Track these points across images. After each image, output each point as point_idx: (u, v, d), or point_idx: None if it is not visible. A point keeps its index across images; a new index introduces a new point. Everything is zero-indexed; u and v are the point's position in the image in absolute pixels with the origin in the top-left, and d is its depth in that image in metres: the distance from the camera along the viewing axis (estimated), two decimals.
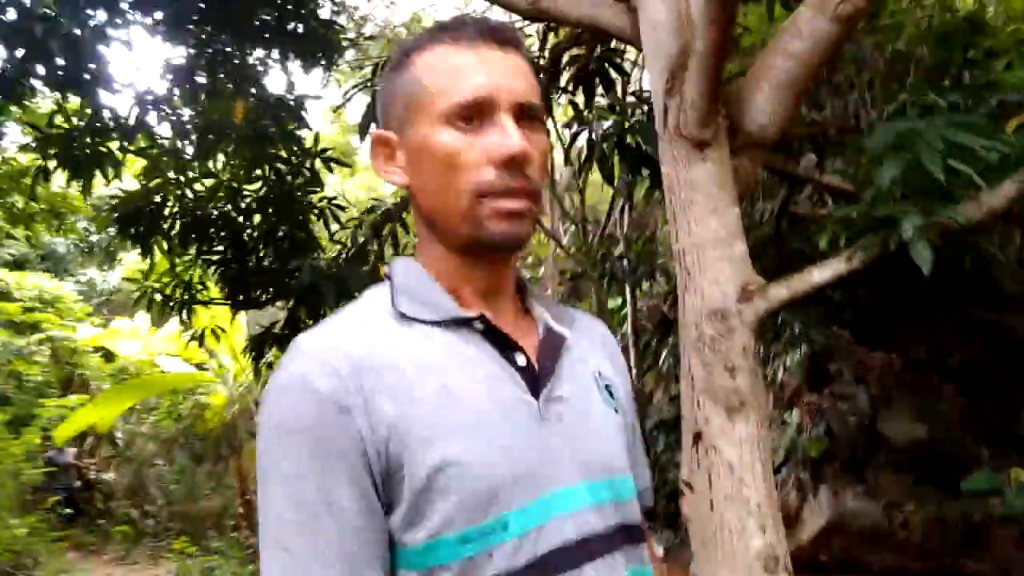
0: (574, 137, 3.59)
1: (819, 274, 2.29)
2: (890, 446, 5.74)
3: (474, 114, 0.80)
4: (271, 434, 0.74)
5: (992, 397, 5.56)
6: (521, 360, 0.83)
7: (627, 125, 3.21)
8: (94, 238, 12.26)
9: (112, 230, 4.77)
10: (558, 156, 5.34)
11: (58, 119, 4.06)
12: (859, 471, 5.78)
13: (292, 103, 4.44)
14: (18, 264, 11.74)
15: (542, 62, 3.87)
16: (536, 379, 0.83)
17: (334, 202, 4.78)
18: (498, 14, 3.61)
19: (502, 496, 0.75)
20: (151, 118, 4.06)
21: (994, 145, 1.92)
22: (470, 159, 0.80)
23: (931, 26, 4.62)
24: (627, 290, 7.04)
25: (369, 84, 4.35)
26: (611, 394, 0.91)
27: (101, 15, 3.62)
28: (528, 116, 0.83)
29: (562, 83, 3.84)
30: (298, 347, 0.78)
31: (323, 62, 4.75)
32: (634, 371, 7.39)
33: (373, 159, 0.89)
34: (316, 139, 4.76)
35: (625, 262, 6.24)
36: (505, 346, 0.82)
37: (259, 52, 4.02)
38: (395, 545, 0.75)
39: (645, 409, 6.97)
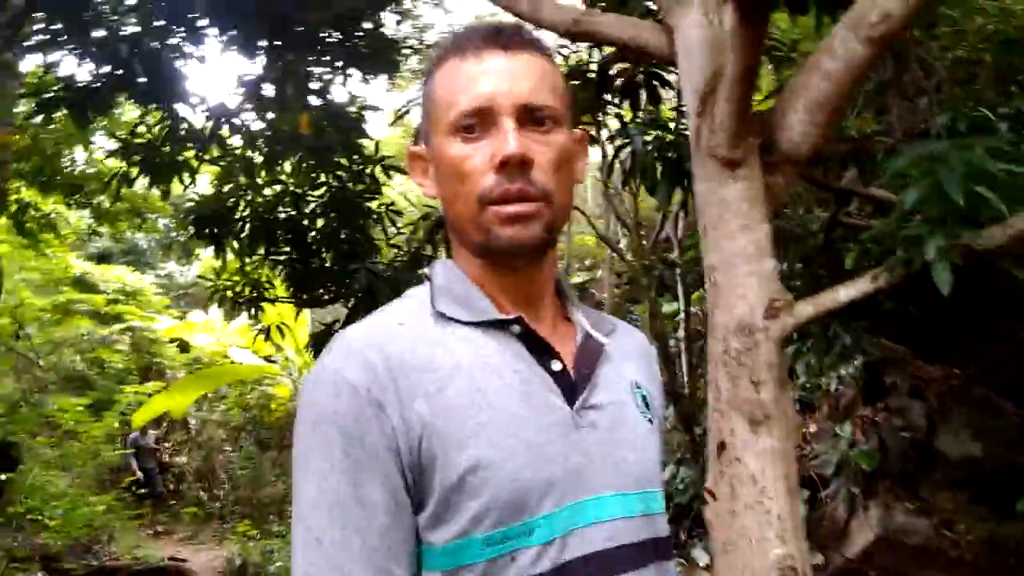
0: (618, 150, 3.69)
1: (845, 292, 2.34)
2: (945, 462, 5.62)
3: (476, 123, 0.81)
4: (307, 426, 0.75)
5: None
6: (557, 366, 0.83)
7: (668, 140, 3.29)
8: (173, 234, 12.92)
9: (189, 230, 5.10)
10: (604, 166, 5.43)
11: (140, 129, 4.38)
12: (912, 487, 5.68)
13: (354, 114, 4.66)
14: (103, 258, 12.46)
15: (590, 75, 3.97)
16: (572, 386, 0.83)
17: (392, 208, 4.99)
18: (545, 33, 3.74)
19: (531, 501, 0.75)
20: (224, 129, 4.33)
21: (1021, 171, 1.94)
22: (474, 167, 0.80)
23: (996, 32, 4.54)
24: (680, 295, 7.06)
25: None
26: (647, 404, 0.90)
27: (179, 33, 3.90)
28: (536, 117, 0.82)
29: (609, 96, 3.94)
30: (338, 342, 0.79)
31: (385, 73, 4.96)
32: (686, 376, 7.41)
33: (410, 172, 0.92)
34: (376, 147, 4.97)
35: (677, 268, 6.27)
36: (542, 351, 0.82)
37: (324, 68, 4.24)
38: (421, 544, 0.75)
39: (698, 414, 6.98)
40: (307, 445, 0.75)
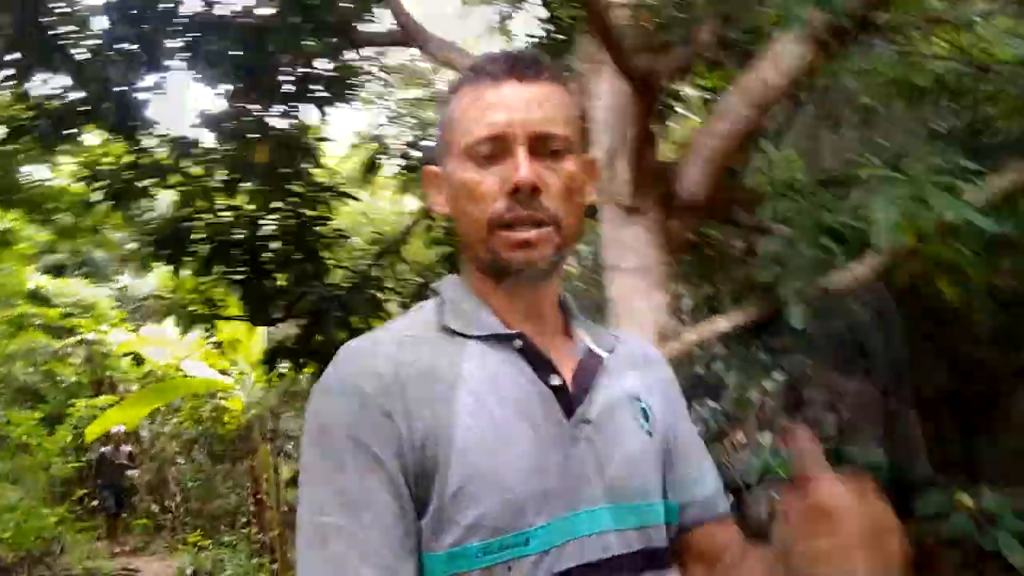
0: None
1: (723, 322, 2.75)
2: (852, 469, 6.08)
3: (490, 149, 0.84)
4: (315, 432, 0.78)
5: (955, 425, 5.91)
6: (556, 380, 0.85)
7: None
8: (129, 246, 12.94)
9: (146, 249, 5.32)
10: None
11: (105, 158, 4.64)
12: None
13: (307, 144, 4.98)
14: (58, 270, 12.43)
15: None
16: (570, 400, 0.85)
17: (342, 233, 5.30)
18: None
19: (527, 511, 0.77)
20: (185, 160, 4.62)
21: (856, 225, 2.37)
22: (485, 191, 0.84)
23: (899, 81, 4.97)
24: None
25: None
26: (646, 417, 0.92)
27: (146, 71, 4.20)
28: (548, 145, 0.85)
29: None
30: (345, 352, 0.83)
31: (343, 103, 5.29)
32: None
33: (424, 190, 0.96)
34: (331, 175, 5.29)
35: None
36: (542, 366, 0.85)
37: (282, 104, 4.57)
38: (426, 550, 0.77)
39: None
40: (315, 451, 0.77)
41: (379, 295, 4.91)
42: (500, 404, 0.81)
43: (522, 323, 0.88)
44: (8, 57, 4.15)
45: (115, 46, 3.95)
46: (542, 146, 0.85)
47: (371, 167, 4.52)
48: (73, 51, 3.86)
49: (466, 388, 0.81)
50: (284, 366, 5.30)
